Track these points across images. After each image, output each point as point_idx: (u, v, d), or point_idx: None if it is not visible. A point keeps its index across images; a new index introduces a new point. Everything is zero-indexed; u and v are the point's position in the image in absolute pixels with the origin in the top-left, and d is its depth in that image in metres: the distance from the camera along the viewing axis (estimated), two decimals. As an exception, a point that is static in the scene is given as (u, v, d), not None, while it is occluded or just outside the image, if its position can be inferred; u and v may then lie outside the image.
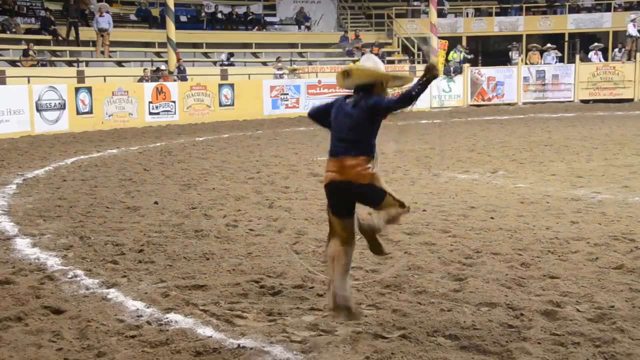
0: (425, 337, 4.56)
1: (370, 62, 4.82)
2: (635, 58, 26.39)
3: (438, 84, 25.62)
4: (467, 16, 30.60)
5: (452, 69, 25.96)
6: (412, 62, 27.71)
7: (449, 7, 30.82)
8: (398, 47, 29.46)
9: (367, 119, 4.63)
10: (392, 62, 28.08)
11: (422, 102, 25.03)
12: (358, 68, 4.78)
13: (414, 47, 28.18)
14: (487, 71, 26.70)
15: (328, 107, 4.89)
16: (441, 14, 28.50)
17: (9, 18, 22.94)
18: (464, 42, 29.07)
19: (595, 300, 5.16)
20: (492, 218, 8.01)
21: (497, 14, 30.81)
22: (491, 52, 32.05)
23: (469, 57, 27.58)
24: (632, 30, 27.15)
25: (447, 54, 26.76)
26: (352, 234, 4.76)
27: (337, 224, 4.74)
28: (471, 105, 26.03)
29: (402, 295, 5.42)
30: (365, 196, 4.67)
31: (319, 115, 5.00)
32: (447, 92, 25.93)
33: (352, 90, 4.81)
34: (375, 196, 4.64)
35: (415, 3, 31.04)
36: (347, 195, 4.69)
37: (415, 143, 15.54)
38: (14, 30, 22.66)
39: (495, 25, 30.48)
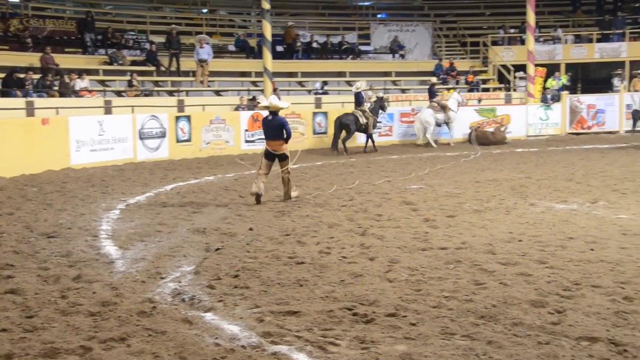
0: (522, 371, 4.45)
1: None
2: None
3: (535, 112, 25.10)
4: (566, 42, 29.85)
5: (549, 96, 25.40)
6: (508, 89, 27.28)
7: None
8: (493, 74, 29.11)
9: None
10: (487, 89, 27.75)
11: (518, 131, 24.55)
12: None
13: (509, 74, 27.78)
14: (586, 99, 25.93)
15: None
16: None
17: (117, 51, 24.14)
18: (562, 70, 28.41)
19: None
20: (592, 250, 7.76)
21: (599, 40, 29.90)
22: (591, 79, 31.07)
23: (568, 84, 26.92)
24: None
25: (545, 81, 26.20)
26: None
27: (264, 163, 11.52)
28: (570, 133, 25.32)
29: (497, 326, 5.31)
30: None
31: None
32: (544, 120, 25.34)
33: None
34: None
35: (512, 30, 30.59)
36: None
37: (510, 172, 15.25)
38: (120, 62, 23.81)
39: (596, 52, 29.56)
